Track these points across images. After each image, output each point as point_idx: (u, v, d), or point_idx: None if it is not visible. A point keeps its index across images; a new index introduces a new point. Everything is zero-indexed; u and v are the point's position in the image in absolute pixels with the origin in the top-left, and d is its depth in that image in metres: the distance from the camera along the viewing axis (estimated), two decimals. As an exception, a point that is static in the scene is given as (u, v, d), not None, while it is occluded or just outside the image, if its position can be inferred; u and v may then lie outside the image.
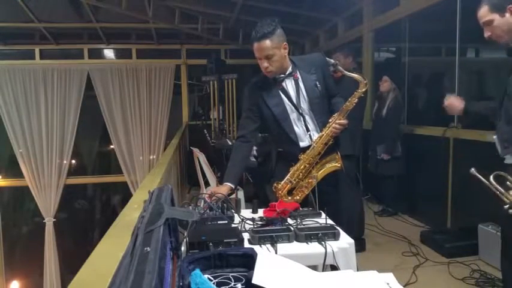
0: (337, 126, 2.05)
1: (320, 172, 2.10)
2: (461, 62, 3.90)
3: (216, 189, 2.04)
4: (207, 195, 1.88)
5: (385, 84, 4.32)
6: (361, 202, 3.73)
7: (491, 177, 1.69)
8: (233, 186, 2.09)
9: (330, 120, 2.08)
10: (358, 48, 5.34)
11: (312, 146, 2.08)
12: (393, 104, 4.25)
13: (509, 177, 1.70)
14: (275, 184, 2.12)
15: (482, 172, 1.81)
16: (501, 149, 1.89)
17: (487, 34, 1.83)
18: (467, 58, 5.12)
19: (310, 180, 2.09)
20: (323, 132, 2.08)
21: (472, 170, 1.75)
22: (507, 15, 1.75)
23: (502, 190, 1.68)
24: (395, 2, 4.54)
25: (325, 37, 6.80)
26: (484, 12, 1.82)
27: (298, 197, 2.09)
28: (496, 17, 1.77)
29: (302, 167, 2.08)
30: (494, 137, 1.96)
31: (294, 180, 2.09)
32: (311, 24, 6.68)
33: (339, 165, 2.13)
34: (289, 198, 2.09)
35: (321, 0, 5.54)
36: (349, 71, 2.21)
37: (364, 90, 2.07)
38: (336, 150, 2.15)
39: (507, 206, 1.66)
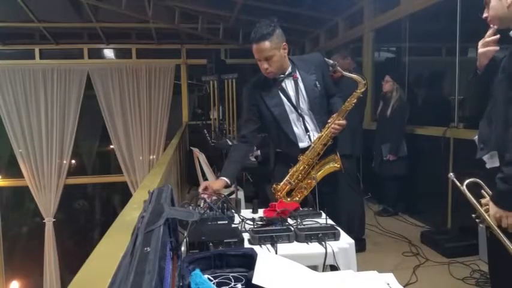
0: (336, 127, 2.05)
1: (319, 173, 2.10)
2: (461, 62, 3.89)
3: (210, 183, 2.03)
4: (207, 195, 1.88)
5: (387, 85, 4.33)
6: (361, 202, 3.72)
7: (464, 185, 1.64)
8: (228, 181, 2.09)
9: (329, 121, 2.08)
10: (358, 48, 5.34)
11: (311, 147, 2.08)
12: (398, 104, 4.25)
13: (483, 185, 1.64)
14: (274, 185, 2.12)
15: (481, 172, 1.77)
16: (478, 150, 1.79)
17: (484, 14, 1.74)
18: (467, 58, 5.11)
19: (309, 181, 2.09)
20: (322, 133, 2.07)
21: (451, 175, 1.71)
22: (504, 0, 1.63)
23: (473, 198, 1.63)
24: (395, 2, 4.54)
25: (326, 37, 6.80)
26: None
27: (297, 198, 2.09)
28: None
29: (301, 168, 2.08)
30: (476, 137, 1.86)
31: (293, 181, 2.09)
32: (311, 24, 6.68)
33: (338, 166, 2.13)
34: (288, 199, 2.09)
35: (321, 0, 5.54)
36: (349, 72, 2.21)
37: (362, 90, 2.06)
38: (335, 151, 2.15)
39: (475, 215, 1.63)
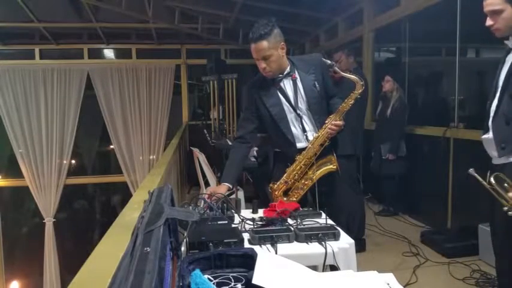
0: (332, 127, 2.05)
1: (316, 174, 2.10)
2: (461, 62, 3.89)
3: (214, 189, 2.05)
4: (207, 195, 1.88)
5: (387, 84, 4.33)
6: (362, 202, 3.72)
7: (491, 178, 1.64)
8: (231, 186, 2.10)
9: (326, 122, 2.08)
10: (358, 48, 5.34)
11: (308, 147, 2.08)
12: (398, 104, 4.25)
13: (507, 178, 1.65)
14: (271, 185, 2.13)
15: (482, 173, 1.77)
16: (498, 150, 1.77)
17: (488, 23, 1.73)
18: (467, 58, 5.11)
19: (306, 182, 2.09)
20: (319, 133, 2.08)
21: (471, 170, 1.70)
22: None
23: (501, 192, 1.63)
24: (395, 2, 4.53)
25: (325, 37, 6.80)
26: (495, 0, 1.68)
27: (294, 198, 2.09)
28: (508, 8, 1.64)
29: (298, 167, 2.09)
30: (485, 136, 1.84)
31: (290, 181, 2.09)
32: (311, 24, 6.68)
33: (335, 167, 2.13)
34: (285, 199, 2.09)
35: (321, 0, 5.54)
36: (350, 71, 2.21)
37: (360, 91, 2.06)
38: (332, 151, 2.15)
39: (506, 208, 1.61)
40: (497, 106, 1.76)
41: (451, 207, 3.80)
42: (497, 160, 1.79)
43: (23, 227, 8.59)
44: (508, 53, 1.76)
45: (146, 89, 7.83)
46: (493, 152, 1.81)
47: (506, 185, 1.64)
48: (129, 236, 0.93)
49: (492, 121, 1.79)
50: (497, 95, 1.77)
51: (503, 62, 1.77)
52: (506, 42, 1.73)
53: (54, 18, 7.00)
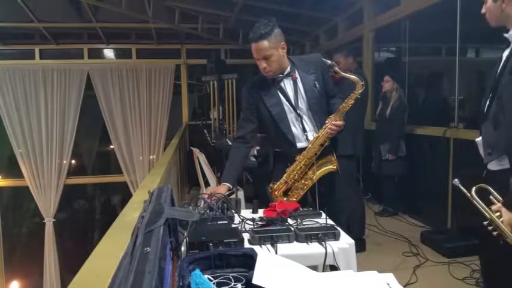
0: (332, 127, 2.05)
1: (316, 174, 2.10)
2: (461, 62, 3.89)
3: (214, 189, 2.05)
4: (207, 195, 1.88)
5: (387, 84, 4.34)
6: (361, 202, 3.73)
7: (472, 191, 1.56)
8: (231, 186, 2.10)
9: (326, 122, 2.08)
10: (358, 48, 5.34)
11: (308, 147, 2.08)
12: (397, 104, 4.26)
13: (492, 191, 1.57)
14: (271, 185, 2.13)
15: (481, 174, 1.75)
16: (484, 155, 1.72)
17: (483, 10, 1.75)
18: (467, 58, 5.12)
19: (306, 182, 2.09)
20: (319, 133, 2.08)
21: (455, 181, 1.63)
22: (499, 2, 1.64)
23: (483, 205, 1.55)
24: (395, 2, 4.54)
25: (325, 37, 6.80)
26: None
27: (294, 198, 2.09)
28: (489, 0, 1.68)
29: (298, 167, 2.08)
30: (478, 139, 1.79)
31: (290, 181, 2.09)
32: (311, 24, 6.68)
33: (335, 167, 2.13)
34: (285, 199, 2.09)
35: (321, 0, 5.54)
36: (350, 72, 2.21)
37: (360, 91, 2.06)
38: (332, 152, 2.15)
39: (486, 222, 1.55)
40: (488, 107, 1.73)
41: (451, 207, 3.80)
42: (491, 166, 1.73)
43: (23, 227, 8.60)
44: (507, 47, 1.72)
45: (146, 89, 7.83)
46: (483, 156, 1.76)
47: (491, 197, 1.56)
48: (129, 236, 0.93)
49: (482, 123, 1.76)
50: (490, 95, 1.73)
51: (501, 59, 1.73)
52: (505, 35, 1.69)
53: (54, 18, 7.00)
